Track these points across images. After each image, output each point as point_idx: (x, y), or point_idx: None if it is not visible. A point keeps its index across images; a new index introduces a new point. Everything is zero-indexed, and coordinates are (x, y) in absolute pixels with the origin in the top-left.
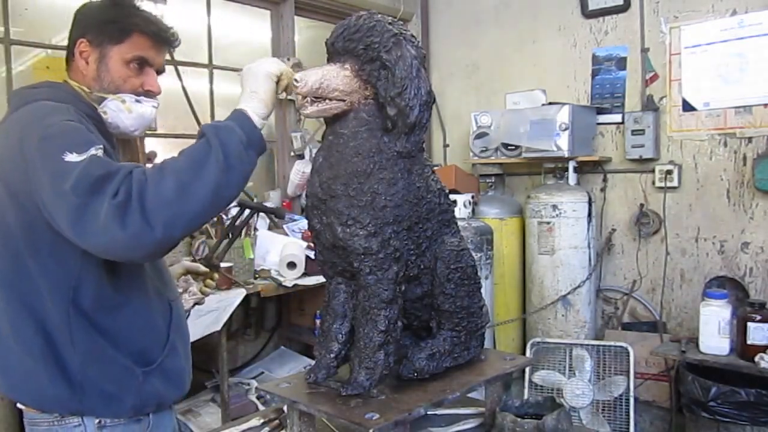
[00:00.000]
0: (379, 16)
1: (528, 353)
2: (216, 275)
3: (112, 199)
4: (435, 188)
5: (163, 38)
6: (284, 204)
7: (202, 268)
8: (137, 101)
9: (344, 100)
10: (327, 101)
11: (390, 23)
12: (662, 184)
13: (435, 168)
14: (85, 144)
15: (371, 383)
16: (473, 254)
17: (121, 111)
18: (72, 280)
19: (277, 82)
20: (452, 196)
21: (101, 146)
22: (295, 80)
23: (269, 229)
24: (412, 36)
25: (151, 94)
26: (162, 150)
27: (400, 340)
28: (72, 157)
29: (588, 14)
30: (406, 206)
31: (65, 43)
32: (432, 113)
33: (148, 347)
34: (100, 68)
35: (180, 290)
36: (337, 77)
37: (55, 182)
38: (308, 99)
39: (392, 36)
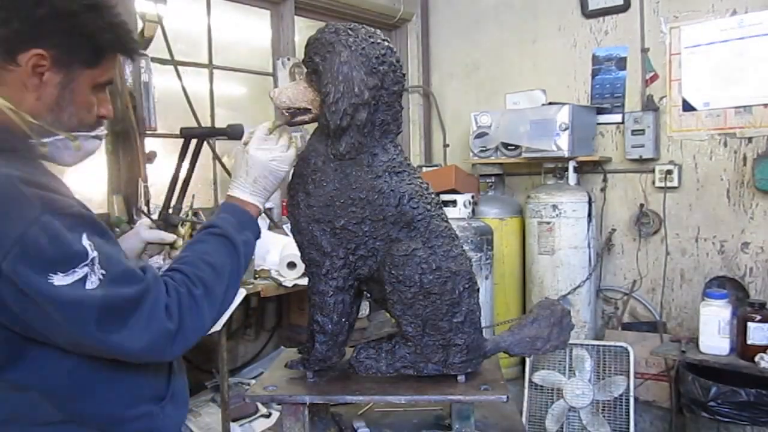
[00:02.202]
0: (341, 26)
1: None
2: (181, 237)
3: (161, 323)
4: (388, 191)
5: (133, 51)
6: (284, 204)
7: (168, 236)
8: (93, 137)
9: (309, 109)
10: (298, 111)
11: (340, 31)
12: (662, 184)
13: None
14: (73, 258)
15: (305, 365)
16: (473, 254)
17: (68, 149)
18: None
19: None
20: (452, 196)
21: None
22: (270, 97)
23: (269, 229)
24: (372, 39)
25: (101, 121)
26: (162, 150)
27: (349, 330)
28: (63, 281)
29: (588, 14)
30: (338, 207)
31: None
32: (431, 113)
33: (159, 369)
34: (62, 96)
35: None
36: (297, 90)
37: (73, 320)
38: (284, 111)
39: (329, 44)
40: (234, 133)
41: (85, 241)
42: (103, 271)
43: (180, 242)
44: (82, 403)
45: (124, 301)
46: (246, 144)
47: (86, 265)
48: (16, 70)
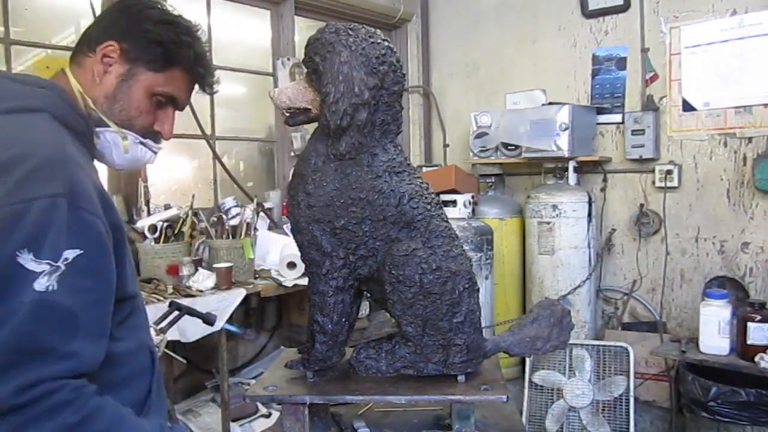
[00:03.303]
0: (341, 26)
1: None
2: None
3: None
4: (388, 191)
5: (204, 83)
6: (284, 204)
7: None
8: (140, 143)
9: (309, 109)
10: (298, 111)
11: (340, 31)
12: (662, 184)
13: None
14: (55, 245)
15: (305, 365)
16: (473, 254)
17: (117, 146)
18: None
19: None
20: (452, 196)
21: (77, 250)
22: (270, 97)
23: (269, 229)
24: (372, 39)
25: (157, 137)
26: (162, 150)
27: (349, 330)
28: (26, 261)
29: (588, 14)
30: (338, 207)
31: (64, 42)
32: (431, 113)
33: (141, 384)
34: (120, 87)
35: None
36: (297, 90)
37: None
38: (284, 111)
39: (329, 44)
40: (208, 319)
41: (68, 253)
42: (60, 293)
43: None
44: None
45: (29, 345)
46: None
47: (51, 266)
48: (92, 57)
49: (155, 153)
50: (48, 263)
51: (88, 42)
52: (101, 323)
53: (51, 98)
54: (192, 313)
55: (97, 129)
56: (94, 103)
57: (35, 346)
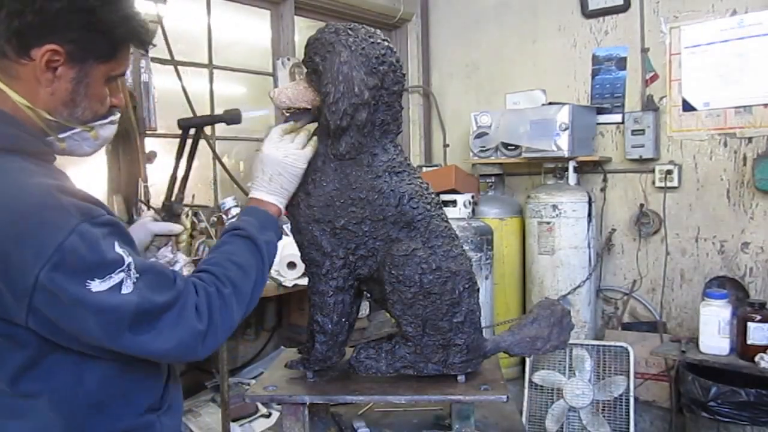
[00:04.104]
0: (341, 26)
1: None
2: (187, 224)
3: (192, 323)
4: (388, 191)
5: (146, 43)
6: None
7: (176, 227)
8: (108, 123)
9: (309, 109)
10: (298, 111)
11: (340, 31)
12: (662, 184)
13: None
14: (110, 264)
15: (305, 365)
16: (473, 254)
17: (86, 139)
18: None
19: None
20: (452, 196)
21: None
22: (270, 97)
23: None
24: (372, 39)
25: (115, 110)
26: (162, 150)
27: (349, 330)
28: (100, 287)
29: (588, 14)
30: (338, 207)
31: None
32: (431, 113)
33: (158, 379)
34: (77, 90)
35: None
36: (297, 90)
37: (108, 324)
38: (284, 111)
39: (329, 44)
40: (232, 119)
41: (119, 249)
42: (138, 275)
43: (184, 236)
44: (89, 412)
45: (157, 307)
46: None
47: (122, 270)
48: (29, 65)
49: (115, 122)
50: (117, 273)
51: (11, 47)
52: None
53: None
54: (213, 119)
55: (61, 135)
56: (51, 114)
57: (153, 304)
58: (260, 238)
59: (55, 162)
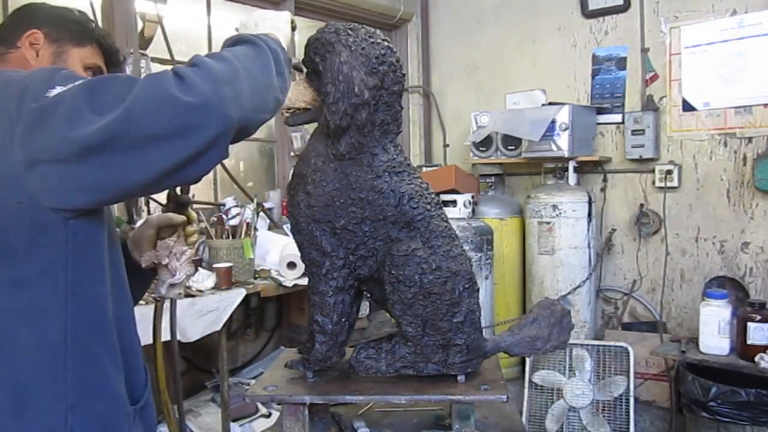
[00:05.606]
0: (341, 26)
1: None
2: (194, 215)
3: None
4: (388, 191)
5: (115, 56)
6: (284, 204)
7: (177, 217)
8: None
9: (309, 109)
10: (298, 111)
11: (340, 31)
12: (662, 184)
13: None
14: (71, 76)
15: (305, 365)
16: (473, 254)
17: None
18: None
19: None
20: (452, 196)
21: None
22: None
23: (269, 229)
24: (372, 39)
25: None
26: None
27: (349, 330)
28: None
29: (588, 14)
30: (338, 207)
31: None
32: (431, 113)
33: (137, 376)
34: (56, 63)
35: (164, 261)
36: (297, 90)
37: (67, 112)
38: (284, 111)
39: (329, 44)
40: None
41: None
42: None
43: (192, 227)
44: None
45: (114, 79)
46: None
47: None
48: (16, 51)
49: None
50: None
51: (6, 41)
52: None
53: None
54: None
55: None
56: None
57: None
58: (260, 41)
59: None
